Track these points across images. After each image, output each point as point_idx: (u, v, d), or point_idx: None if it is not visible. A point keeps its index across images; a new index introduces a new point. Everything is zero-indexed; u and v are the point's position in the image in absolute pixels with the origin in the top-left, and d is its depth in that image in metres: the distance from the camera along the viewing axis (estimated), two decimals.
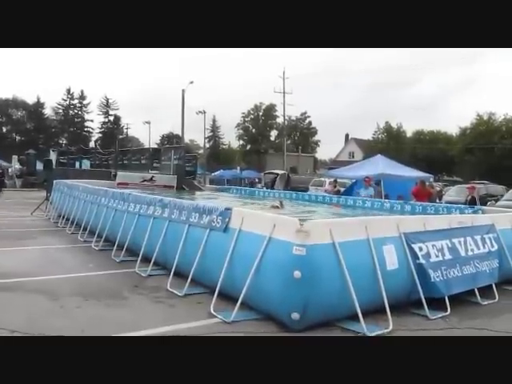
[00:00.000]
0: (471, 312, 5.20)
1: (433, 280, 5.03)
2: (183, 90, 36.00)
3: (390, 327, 4.39)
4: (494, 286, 5.79)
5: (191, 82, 36.99)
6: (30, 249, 8.16)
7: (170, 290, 5.53)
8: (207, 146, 60.40)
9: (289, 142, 66.69)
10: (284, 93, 47.14)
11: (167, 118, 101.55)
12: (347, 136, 64.10)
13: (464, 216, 7.12)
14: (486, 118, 40.84)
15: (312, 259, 4.23)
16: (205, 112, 47.27)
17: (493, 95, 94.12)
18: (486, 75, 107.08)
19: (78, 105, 69.85)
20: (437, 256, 5.24)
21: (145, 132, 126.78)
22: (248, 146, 72.38)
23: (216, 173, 42.57)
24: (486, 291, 5.68)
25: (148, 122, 57.17)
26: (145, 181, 14.96)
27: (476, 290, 5.51)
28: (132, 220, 7.26)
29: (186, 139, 53.13)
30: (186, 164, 17.32)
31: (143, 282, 6.02)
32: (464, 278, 5.42)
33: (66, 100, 68.58)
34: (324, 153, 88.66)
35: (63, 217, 11.34)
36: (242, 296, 4.54)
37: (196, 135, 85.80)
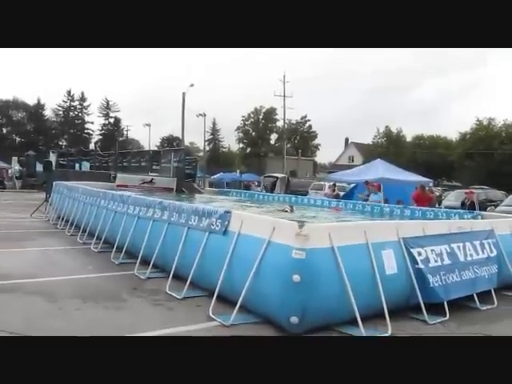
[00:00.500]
0: (470, 317, 5.20)
1: (432, 285, 5.03)
2: (183, 93, 36.00)
3: (389, 332, 4.39)
4: (492, 291, 5.79)
5: (191, 85, 36.96)
6: (28, 250, 8.15)
7: (169, 292, 5.53)
8: (207, 148, 60.40)
9: (289, 145, 66.84)
10: (284, 96, 47.43)
11: (167, 120, 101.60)
12: (347, 140, 64.16)
13: (463, 221, 7.13)
14: (485, 123, 40.84)
15: (311, 263, 4.23)
16: (205, 115, 47.31)
17: (493, 101, 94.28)
18: (486, 80, 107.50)
19: (79, 106, 69.81)
20: (436, 261, 5.23)
21: (145, 134, 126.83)
22: (248, 150, 72.55)
23: (216, 176, 42.51)
24: (484, 296, 5.68)
25: (148, 125, 57.31)
26: (144, 183, 14.95)
27: (475, 295, 5.52)
28: (131, 222, 7.26)
29: (186, 142, 53.23)
30: (186, 167, 17.27)
31: (142, 285, 6.01)
32: (463, 284, 5.42)
33: (66, 101, 68.61)
34: (324, 157, 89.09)
35: (62, 218, 11.33)
36: (240, 299, 4.53)
37: (196, 138, 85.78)
